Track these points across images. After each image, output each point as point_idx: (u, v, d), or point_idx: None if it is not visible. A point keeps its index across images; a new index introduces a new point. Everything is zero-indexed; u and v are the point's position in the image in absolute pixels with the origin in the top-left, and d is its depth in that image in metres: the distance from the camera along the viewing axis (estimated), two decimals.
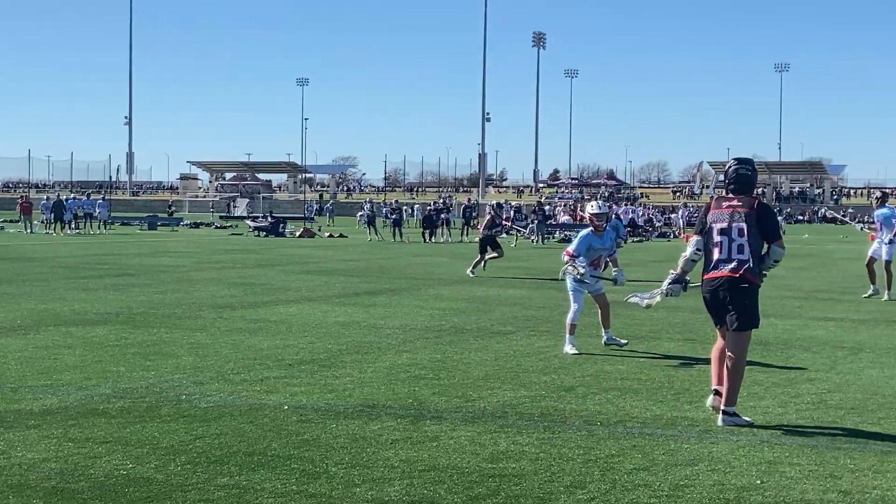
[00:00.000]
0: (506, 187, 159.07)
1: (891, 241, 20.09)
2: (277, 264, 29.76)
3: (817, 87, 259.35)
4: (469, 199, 62.64)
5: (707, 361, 9.63)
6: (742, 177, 9.03)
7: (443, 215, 50.43)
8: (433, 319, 15.91)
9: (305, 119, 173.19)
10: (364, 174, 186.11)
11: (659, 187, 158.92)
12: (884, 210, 20.77)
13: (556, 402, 9.49)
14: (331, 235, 54.30)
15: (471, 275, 24.99)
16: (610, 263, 14.09)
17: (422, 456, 7.49)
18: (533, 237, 48.89)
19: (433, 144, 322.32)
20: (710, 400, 9.16)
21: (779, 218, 8.03)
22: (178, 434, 8.04)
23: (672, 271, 9.55)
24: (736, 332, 8.70)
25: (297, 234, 54.34)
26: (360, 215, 63.45)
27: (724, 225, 8.79)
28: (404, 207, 52.03)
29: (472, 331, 14.59)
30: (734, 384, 8.66)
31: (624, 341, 13.19)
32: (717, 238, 8.84)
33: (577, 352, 12.53)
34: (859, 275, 26.42)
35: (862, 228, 25.16)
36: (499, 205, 32.87)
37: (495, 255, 26.23)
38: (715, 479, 6.92)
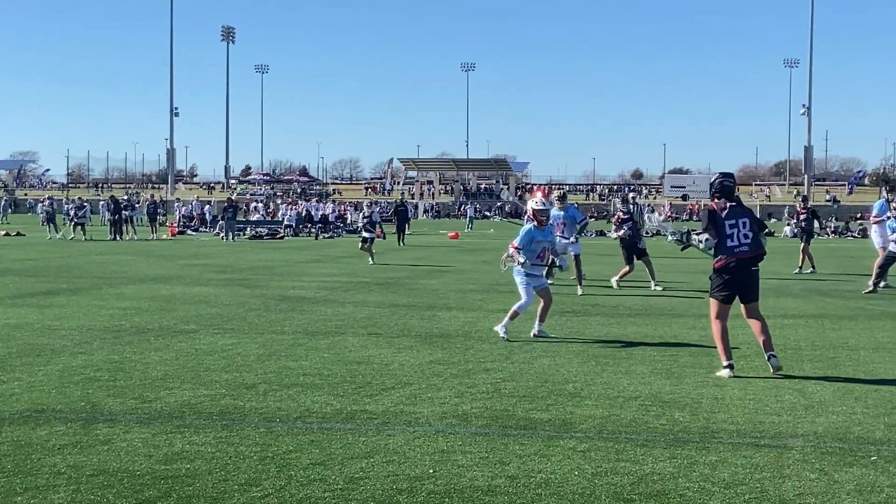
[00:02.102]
0: (196, 183, 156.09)
1: (576, 239, 20.86)
2: None
3: (501, 86, 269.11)
4: (152, 195, 60.96)
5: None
6: (727, 188, 11.56)
7: (126, 212, 48.78)
8: (113, 319, 15.35)
9: None
10: (47, 170, 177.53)
11: (352, 184, 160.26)
12: (566, 210, 21.30)
13: (235, 400, 9.34)
14: (7, 234, 51.52)
15: (616, 287, 21.66)
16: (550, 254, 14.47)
17: (91, 460, 7.19)
18: (222, 235, 48.19)
19: (119, 139, 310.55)
20: (725, 373, 10.96)
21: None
22: None
23: (694, 233, 11.82)
24: (755, 302, 11.33)
25: None
26: (40, 212, 60.70)
27: (733, 221, 11.31)
28: (87, 204, 49.81)
29: (153, 330, 14.17)
30: (769, 333, 11.34)
31: (553, 335, 13.88)
32: (728, 231, 11.29)
33: (507, 337, 13.49)
34: None
35: None
36: (624, 200, 26.38)
37: (627, 269, 22.06)
38: (389, 471, 7.00)
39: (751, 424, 8.57)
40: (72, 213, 47.21)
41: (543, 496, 6.47)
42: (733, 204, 11.45)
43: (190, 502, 6.29)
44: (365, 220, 31.44)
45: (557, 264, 14.20)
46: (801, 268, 27.40)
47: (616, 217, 23.60)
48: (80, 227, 46.25)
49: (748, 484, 6.77)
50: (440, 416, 8.81)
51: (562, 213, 21.01)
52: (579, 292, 19.97)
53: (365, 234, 30.27)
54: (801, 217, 29.03)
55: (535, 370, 11.19)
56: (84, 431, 8.05)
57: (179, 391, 9.76)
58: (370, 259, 29.59)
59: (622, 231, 22.03)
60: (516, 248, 13.79)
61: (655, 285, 21.32)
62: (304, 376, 10.64)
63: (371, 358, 11.90)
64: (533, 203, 14.20)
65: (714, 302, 11.29)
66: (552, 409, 9.14)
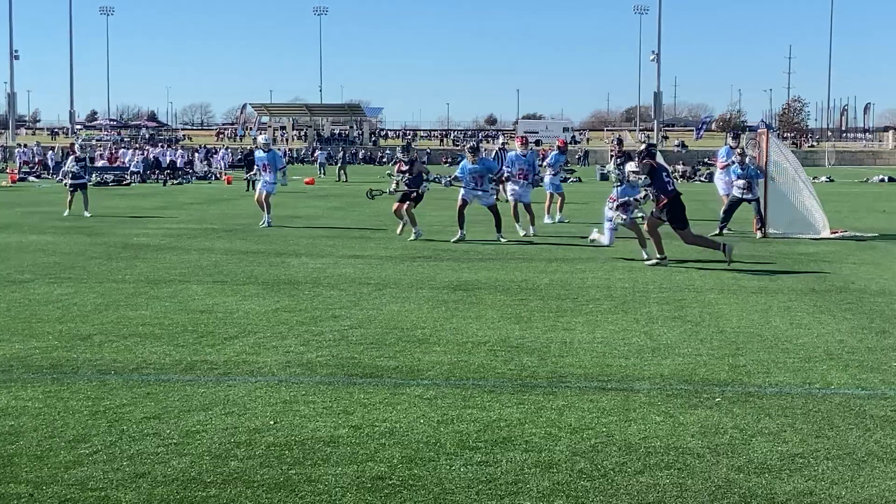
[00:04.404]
0: (40, 129, 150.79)
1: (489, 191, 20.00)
2: None
3: (354, 31, 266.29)
4: None
5: None
6: (652, 153, 16.44)
7: None
8: None
9: None
10: None
11: (203, 129, 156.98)
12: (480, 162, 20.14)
13: (69, 353, 8.91)
14: None
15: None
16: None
17: None
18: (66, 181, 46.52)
19: None
20: (655, 260, 15.79)
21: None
22: None
23: (633, 174, 16.26)
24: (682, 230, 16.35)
25: None
26: None
27: (666, 173, 16.74)
28: None
29: None
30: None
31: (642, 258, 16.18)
32: (666, 179, 16.32)
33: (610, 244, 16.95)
34: (389, 214, 27.46)
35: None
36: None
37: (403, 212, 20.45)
38: (228, 423, 6.72)
39: (598, 368, 8.53)
40: None
41: (387, 445, 6.28)
42: (660, 162, 16.88)
43: (12, 461, 5.92)
44: (79, 167, 27.94)
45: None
46: None
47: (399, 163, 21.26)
48: None
49: (594, 428, 6.70)
50: (284, 365, 8.54)
51: (477, 166, 19.84)
52: (503, 241, 19.25)
53: (72, 181, 27.36)
54: (618, 161, 28.46)
55: (383, 317, 10.98)
56: None
57: (8, 343, 9.28)
58: (67, 209, 26.72)
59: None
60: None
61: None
62: (144, 326, 10.23)
63: (215, 306, 11.53)
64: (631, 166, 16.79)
65: (654, 221, 16.14)
66: (400, 356, 8.96)
